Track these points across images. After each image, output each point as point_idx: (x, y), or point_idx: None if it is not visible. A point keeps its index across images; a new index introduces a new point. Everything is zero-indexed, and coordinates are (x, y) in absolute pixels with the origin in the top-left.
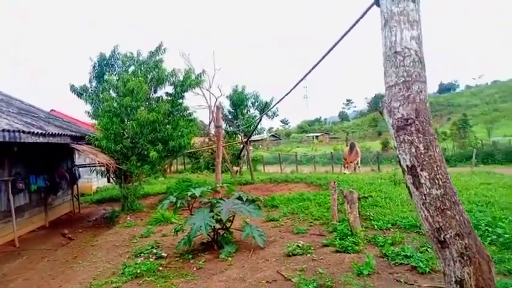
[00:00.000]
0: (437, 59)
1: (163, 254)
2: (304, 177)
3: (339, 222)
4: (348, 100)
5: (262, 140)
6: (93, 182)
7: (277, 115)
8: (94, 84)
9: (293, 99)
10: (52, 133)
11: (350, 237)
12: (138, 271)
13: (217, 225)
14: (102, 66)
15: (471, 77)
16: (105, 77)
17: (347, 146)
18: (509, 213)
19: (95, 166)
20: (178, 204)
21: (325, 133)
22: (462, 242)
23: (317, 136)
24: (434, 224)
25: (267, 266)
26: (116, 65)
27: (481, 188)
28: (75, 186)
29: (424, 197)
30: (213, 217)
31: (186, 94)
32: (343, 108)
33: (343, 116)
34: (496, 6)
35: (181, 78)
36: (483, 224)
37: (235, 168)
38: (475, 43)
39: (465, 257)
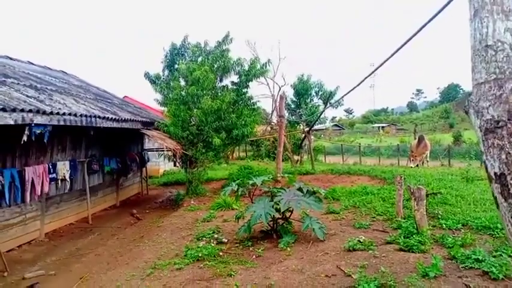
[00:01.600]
0: None
1: (224, 239)
2: (367, 169)
3: (404, 219)
4: (418, 90)
5: (324, 129)
6: (160, 165)
7: (342, 105)
8: (166, 73)
9: (359, 88)
10: (124, 119)
11: (415, 236)
12: (200, 255)
13: (277, 215)
14: (174, 56)
15: None
16: (176, 66)
17: (415, 138)
18: None
19: (162, 151)
20: (240, 192)
21: (392, 124)
22: None
23: (383, 127)
24: None
25: (327, 259)
26: (186, 55)
27: None
28: (144, 169)
29: None
30: (272, 206)
31: (250, 83)
32: (412, 98)
33: (412, 107)
34: None
35: (246, 67)
36: None
37: (296, 158)
38: None
39: None
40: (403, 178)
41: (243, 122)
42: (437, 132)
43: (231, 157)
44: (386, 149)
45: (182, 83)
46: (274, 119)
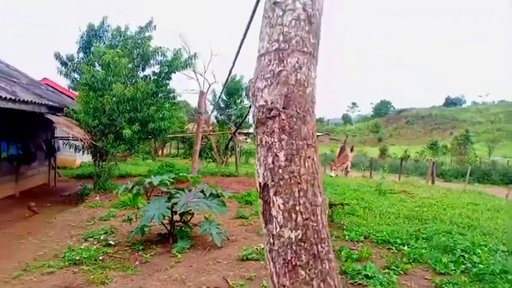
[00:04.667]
0: (447, 72)
1: (111, 241)
2: None
3: None
4: (353, 103)
5: None
6: (77, 156)
7: None
8: (81, 55)
9: None
10: (24, 100)
11: None
12: (78, 257)
13: (177, 217)
14: (91, 37)
15: (478, 94)
16: (92, 48)
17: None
18: (491, 240)
19: (68, 140)
20: (135, 191)
21: (326, 133)
22: None
23: (317, 136)
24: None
25: (216, 268)
26: (104, 38)
27: (467, 209)
28: (53, 158)
29: (272, 240)
30: (169, 208)
31: (174, 76)
32: (347, 111)
33: (346, 119)
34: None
35: (169, 58)
36: (459, 249)
37: (223, 159)
38: (485, 60)
39: None
40: None
41: (161, 116)
42: (366, 144)
43: (160, 153)
44: None
45: (98, 67)
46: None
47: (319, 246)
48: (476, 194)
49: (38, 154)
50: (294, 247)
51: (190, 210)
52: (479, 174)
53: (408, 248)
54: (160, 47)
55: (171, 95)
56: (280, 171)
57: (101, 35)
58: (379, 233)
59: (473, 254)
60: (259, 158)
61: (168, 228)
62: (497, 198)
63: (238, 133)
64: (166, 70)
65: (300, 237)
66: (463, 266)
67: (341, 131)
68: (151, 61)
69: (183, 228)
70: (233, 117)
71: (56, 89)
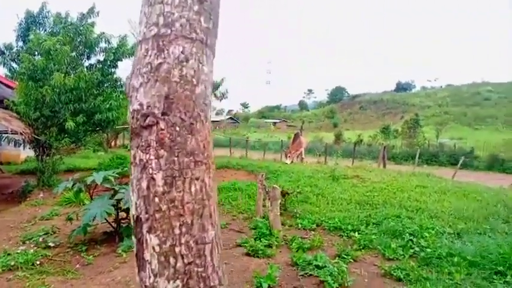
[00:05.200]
0: (398, 58)
1: (50, 243)
2: (246, 164)
3: (264, 218)
4: (309, 90)
5: (219, 121)
6: (21, 151)
7: (226, 97)
8: (20, 43)
9: (256, 84)
10: None
11: (266, 238)
12: (13, 263)
13: (123, 214)
14: (29, 25)
15: (427, 78)
16: (31, 36)
17: (300, 135)
18: (438, 223)
19: (7, 134)
20: (76, 189)
21: (283, 120)
22: None
23: (275, 123)
24: None
25: None
26: (45, 25)
27: (416, 192)
28: None
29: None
30: (115, 205)
31: (122, 64)
32: (304, 97)
33: (302, 105)
34: (459, 15)
35: (115, 45)
36: (407, 234)
37: None
38: (434, 46)
39: None
40: (264, 175)
41: (108, 106)
42: (322, 130)
43: (114, 144)
44: (274, 144)
45: (38, 56)
46: None
47: None
48: (424, 176)
49: None
50: None
51: None
52: (428, 157)
53: (359, 234)
54: (103, 33)
55: (118, 83)
56: (157, 199)
57: (40, 22)
58: (331, 220)
59: (421, 238)
60: (132, 181)
61: (114, 226)
62: (444, 180)
63: None
64: (112, 58)
65: None
66: (412, 251)
67: (298, 118)
68: (96, 49)
69: (129, 225)
70: None
71: None
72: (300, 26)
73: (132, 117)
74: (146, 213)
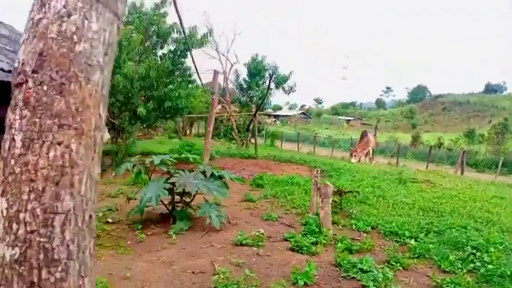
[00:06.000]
0: (486, 57)
1: (109, 219)
2: (310, 159)
3: (316, 215)
4: (387, 87)
5: (291, 116)
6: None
7: (294, 91)
8: None
9: (331, 79)
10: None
11: (315, 235)
12: None
13: (177, 198)
14: None
15: None
16: None
17: (375, 134)
18: (508, 238)
19: None
20: (135, 170)
21: (358, 118)
22: None
23: (348, 120)
24: None
25: (208, 252)
26: None
27: (490, 202)
28: None
29: None
30: (169, 188)
31: (193, 54)
32: (381, 95)
33: (380, 104)
34: None
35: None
36: (470, 246)
37: (243, 140)
38: None
39: None
40: (319, 171)
41: (177, 94)
42: (399, 130)
43: (188, 132)
44: (345, 142)
45: None
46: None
47: (44, 272)
48: (504, 187)
49: None
50: (6, 270)
51: (190, 191)
52: None
53: (416, 242)
54: (175, 23)
55: (188, 72)
56: (13, 161)
57: None
58: (388, 223)
59: (485, 253)
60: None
61: (169, 208)
62: None
63: (267, 115)
64: (182, 48)
65: (16, 257)
66: (472, 265)
67: (373, 116)
68: (169, 39)
69: (183, 209)
70: (255, 98)
71: None
72: (379, 23)
73: (12, 76)
74: (3, 175)
